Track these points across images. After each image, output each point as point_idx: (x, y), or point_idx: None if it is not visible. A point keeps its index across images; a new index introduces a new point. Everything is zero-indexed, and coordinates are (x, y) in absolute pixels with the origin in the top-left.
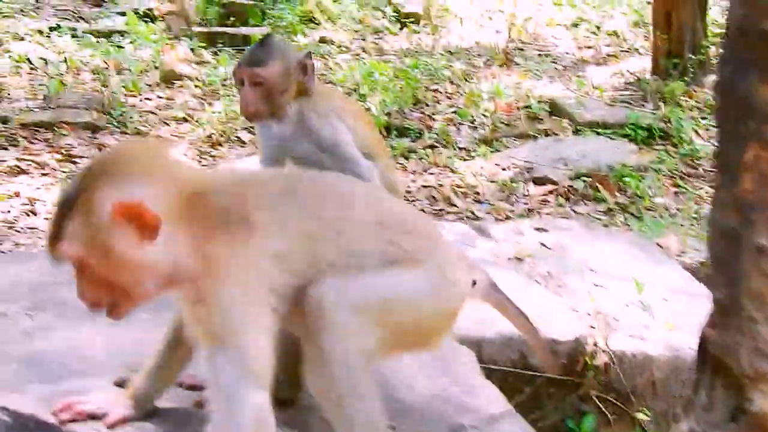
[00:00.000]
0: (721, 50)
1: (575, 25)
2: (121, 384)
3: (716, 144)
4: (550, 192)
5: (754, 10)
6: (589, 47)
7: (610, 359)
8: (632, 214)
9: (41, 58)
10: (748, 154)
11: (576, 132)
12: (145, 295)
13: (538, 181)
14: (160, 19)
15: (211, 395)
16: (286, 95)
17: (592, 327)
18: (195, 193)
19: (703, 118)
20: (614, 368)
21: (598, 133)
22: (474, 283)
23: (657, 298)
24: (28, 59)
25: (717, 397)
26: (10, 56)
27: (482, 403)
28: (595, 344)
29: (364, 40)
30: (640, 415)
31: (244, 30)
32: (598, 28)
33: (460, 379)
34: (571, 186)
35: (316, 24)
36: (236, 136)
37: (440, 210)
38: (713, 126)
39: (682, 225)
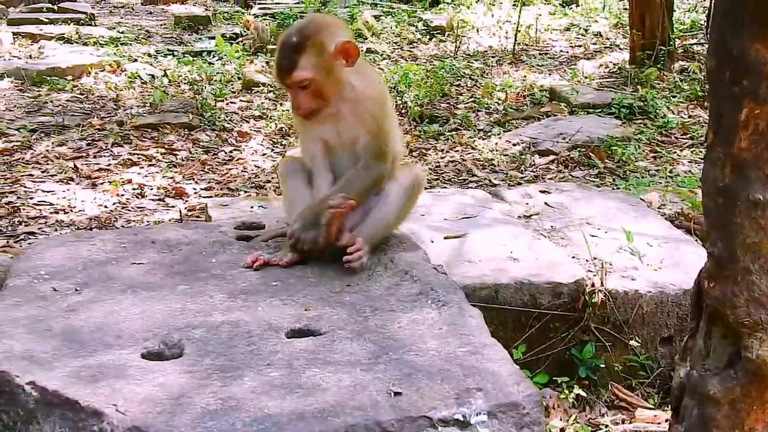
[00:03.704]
0: (713, 11)
1: (567, 29)
2: (148, 356)
3: (711, 105)
4: (552, 161)
5: None
6: (579, 46)
7: (605, 297)
8: (619, 176)
9: (149, 74)
10: (743, 113)
11: (571, 112)
12: (332, 102)
13: (542, 153)
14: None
15: None
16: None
17: (590, 271)
18: None
19: (672, 96)
20: (609, 304)
21: (588, 113)
22: None
23: (643, 244)
24: (138, 75)
25: (714, 345)
26: (125, 74)
27: (488, 364)
28: (593, 285)
29: (401, 49)
30: (632, 342)
31: None
32: (586, 30)
33: (469, 340)
34: (568, 156)
35: (364, 39)
36: None
37: (464, 179)
38: (681, 102)
39: (660, 183)
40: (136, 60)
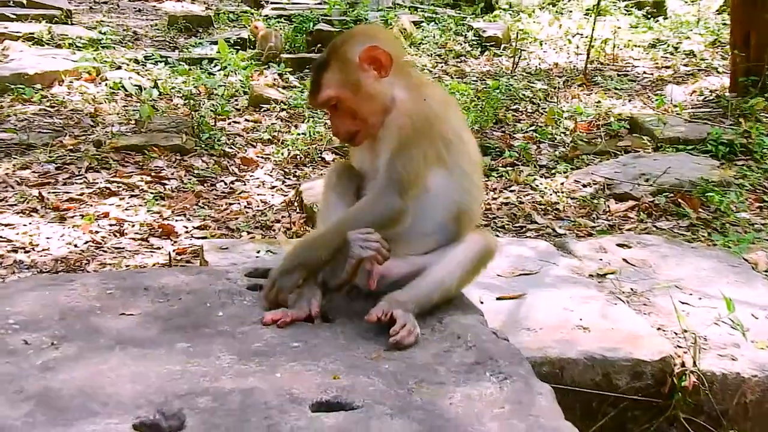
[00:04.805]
0: None
1: (653, 46)
2: (141, 428)
3: None
4: (632, 208)
5: None
6: (667, 67)
7: (699, 380)
8: (716, 230)
9: (135, 85)
10: None
11: (656, 149)
12: (376, 124)
13: (619, 198)
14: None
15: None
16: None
17: (679, 346)
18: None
19: None
20: (704, 390)
21: (678, 150)
22: None
23: (747, 315)
24: (122, 86)
25: None
26: (106, 84)
27: None
28: (683, 364)
29: (446, 63)
30: None
31: None
32: (676, 48)
33: (538, 422)
34: (652, 202)
35: None
36: (320, 157)
37: (521, 227)
38: None
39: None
40: (120, 67)
